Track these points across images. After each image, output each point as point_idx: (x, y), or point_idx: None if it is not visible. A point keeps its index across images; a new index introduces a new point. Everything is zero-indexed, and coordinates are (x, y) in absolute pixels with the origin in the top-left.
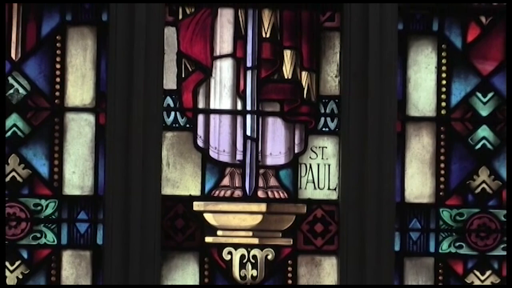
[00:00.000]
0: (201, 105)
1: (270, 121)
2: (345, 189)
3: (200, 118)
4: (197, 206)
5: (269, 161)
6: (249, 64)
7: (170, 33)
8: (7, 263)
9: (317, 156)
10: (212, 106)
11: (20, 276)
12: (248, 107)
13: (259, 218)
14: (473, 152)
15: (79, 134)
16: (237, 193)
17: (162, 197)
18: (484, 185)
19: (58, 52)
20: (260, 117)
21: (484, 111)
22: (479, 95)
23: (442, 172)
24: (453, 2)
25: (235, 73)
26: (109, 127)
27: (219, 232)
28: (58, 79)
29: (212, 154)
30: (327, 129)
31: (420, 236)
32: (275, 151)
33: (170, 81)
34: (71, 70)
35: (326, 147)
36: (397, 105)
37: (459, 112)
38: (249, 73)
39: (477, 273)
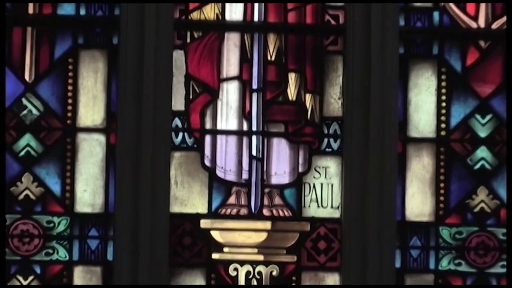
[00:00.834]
0: (208, 126)
1: (275, 142)
2: (348, 207)
3: (207, 138)
4: (204, 223)
5: (274, 180)
6: (254, 86)
7: (178, 56)
8: (20, 278)
9: (320, 175)
10: (219, 127)
11: None
12: (254, 128)
13: (264, 235)
14: (472, 172)
15: (90, 153)
16: (243, 211)
17: (170, 215)
18: (482, 204)
19: (70, 74)
20: (265, 138)
21: (482, 133)
22: (478, 117)
23: (442, 191)
24: (452, 27)
25: (241, 95)
26: (119, 147)
27: (226, 249)
28: (70, 100)
29: (219, 173)
30: (330, 149)
31: (420, 254)
32: (280, 170)
33: (178, 103)
34: (82, 92)
35: (329, 167)
36: (398, 127)
37: (458, 133)
38: (254, 95)
39: None
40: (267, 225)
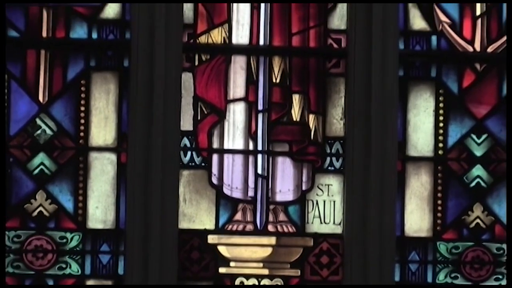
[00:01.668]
0: (215, 145)
1: (279, 161)
2: (349, 223)
3: (215, 157)
4: (212, 239)
5: (279, 198)
6: (260, 107)
7: (187, 78)
8: None
9: (323, 193)
10: (225, 146)
11: None
12: (259, 147)
13: (269, 250)
14: (468, 189)
15: (102, 172)
16: (249, 227)
17: (179, 231)
18: (478, 220)
19: (83, 95)
20: (270, 157)
21: (478, 152)
22: (474, 136)
23: (439, 208)
24: (449, 51)
25: (247, 115)
26: (130, 166)
27: (232, 264)
28: (82, 121)
29: (226, 191)
30: (332, 168)
31: (418, 268)
32: (284, 188)
33: (186, 123)
34: (94, 113)
35: (331, 185)
36: (397, 146)
37: (455, 152)
38: (260, 116)
39: None
40: (272, 240)
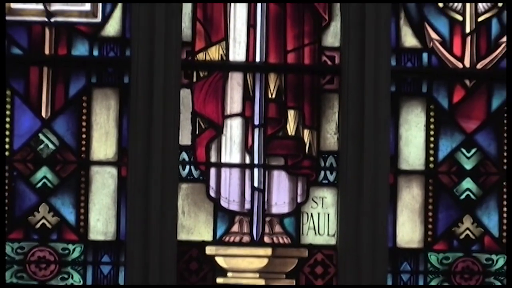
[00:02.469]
0: (213, 159)
1: (275, 174)
2: (343, 235)
3: (212, 171)
4: (209, 250)
5: (274, 210)
6: (256, 122)
7: (185, 94)
8: None
9: (317, 205)
10: (223, 160)
11: None
12: (256, 161)
13: (265, 261)
14: (458, 202)
15: (103, 185)
16: (246, 238)
17: (177, 242)
18: (467, 231)
19: (84, 111)
20: (266, 170)
21: (468, 165)
22: (464, 150)
23: (430, 220)
24: (440, 68)
25: (244, 130)
26: (130, 179)
27: (229, 274)
28: (84, 136)
29: (223, 203)
30: (326, 181)
31: (410, 278)
32: (280, 201)
33: (185, 138)
34: (95, 128)
35: (325, 198)
36: (389, 160)
37: (446, 166)
38: (256, 131)
39: None
40: (268, 251)
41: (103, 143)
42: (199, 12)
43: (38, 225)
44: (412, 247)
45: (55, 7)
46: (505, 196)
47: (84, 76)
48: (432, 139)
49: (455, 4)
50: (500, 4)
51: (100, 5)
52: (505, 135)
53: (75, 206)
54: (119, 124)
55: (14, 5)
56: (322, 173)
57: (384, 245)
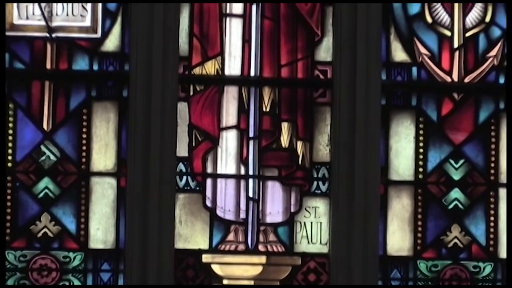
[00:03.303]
0: (209, 170)
1: (269, 185)
2: (335, 243)
3: (209, 181)
4: (206, 258)
5: (269, 219)
6: (251, 134)
7: (182, 107)
8: None
9: (310, 215)
10: (219, 171)
11: None
12: (250, 172)
13: (259, 269)
14: (446, 211)
15: (103, 195)
16: (241, 247)
17: (175, 251)
18: (456, 240)
19: (84, 123)
20: (260, 181)
21: (456, 176)
22: (452, 161)
23: (419, 229)
24: (429, 81)
25: (239, 142)
26: (129, 190)
27: (225, 281)
28: (84, 147)
29: (219, 213)
30: (319, 191)
31: (400, 285)
32: (274, 210)
33: (182, 149)
34: (95, 140)
35: (318, 207)
36: (380, 171)
37: (434, 176)
38: (251, 143)
39: None
40: (263, 259)
41: (103, 154)
42: (196, 28)
43: (40, 234)
44: (402, 255)
45: (56, 23)
46: (492, 206)
47: (84, 89)
48: (421, 150)
49: (444, 20)
50: (487, 20)
51: (100, 21)
52: (493, 146)
53: (76, 215)
54: (118, 136)
55: (16, 21)
56: (315, 183)
57: (375, 253)
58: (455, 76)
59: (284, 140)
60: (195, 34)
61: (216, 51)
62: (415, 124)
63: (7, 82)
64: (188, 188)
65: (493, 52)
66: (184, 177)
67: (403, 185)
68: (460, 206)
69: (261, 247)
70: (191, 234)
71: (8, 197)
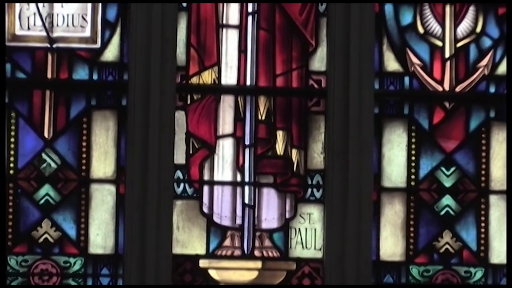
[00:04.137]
0: (206, 177)
1: (265, 191)
2: (329, 249)
3: (205, 188)
4: (203, 263)
5: (264, 225)
6: (247, 142)
7: (180, 116)
8: None
9: (305, 221)
10: (215, 178)
11: None
12: (246, 179)
13: (255, 274)
14: (438, 217)
15: (102, 202)
16: (237, 252)
17: (173, 256)
18: (447, 245)
19: (84, 132)
20: (256, 188)
21: (447, 183)
22: (443, 169)
23: (412, 234)
24: (421, 90)
25: (235, 150)
26: (127, 196)
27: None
28: (84, 155)
29: (216, 219)
30: (313, 198)
31: None
32: (269, 216)
33: (179, 157)
34: (95, 147)
35: (312, 213)
36: (373, 178)
37: (426, 183)
38: (247, 150)
39: None
40: (258, 264)
41: (102, 162)
42: (193, 39)
43: (41, 240)
44: (395, 260)
45: (57, 33)
46: (482, 212)
47: (84, 98)
48: (413, 158)
49: (435, 30)
50: (478, 30)
51: (99, 32)
52: (483, 154)
53: (76, 221)
54: (117, 144)
55: (18, 32)
56: (309, 190)
57: (368, 258)
58: (446, 86)
59: (279, 148)
60: (192, 45)
61: (213, 61)
62: (407, 133)
63: (9, 91)
64: (186, 194)
65: (484, 62)
66: (182, 184)
67: (396, 192)
68: (452, 212)
69: (256, 253)
70: (189, 240)
71: (10, 203)
